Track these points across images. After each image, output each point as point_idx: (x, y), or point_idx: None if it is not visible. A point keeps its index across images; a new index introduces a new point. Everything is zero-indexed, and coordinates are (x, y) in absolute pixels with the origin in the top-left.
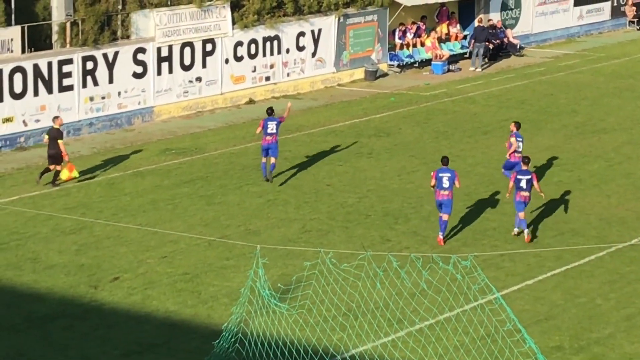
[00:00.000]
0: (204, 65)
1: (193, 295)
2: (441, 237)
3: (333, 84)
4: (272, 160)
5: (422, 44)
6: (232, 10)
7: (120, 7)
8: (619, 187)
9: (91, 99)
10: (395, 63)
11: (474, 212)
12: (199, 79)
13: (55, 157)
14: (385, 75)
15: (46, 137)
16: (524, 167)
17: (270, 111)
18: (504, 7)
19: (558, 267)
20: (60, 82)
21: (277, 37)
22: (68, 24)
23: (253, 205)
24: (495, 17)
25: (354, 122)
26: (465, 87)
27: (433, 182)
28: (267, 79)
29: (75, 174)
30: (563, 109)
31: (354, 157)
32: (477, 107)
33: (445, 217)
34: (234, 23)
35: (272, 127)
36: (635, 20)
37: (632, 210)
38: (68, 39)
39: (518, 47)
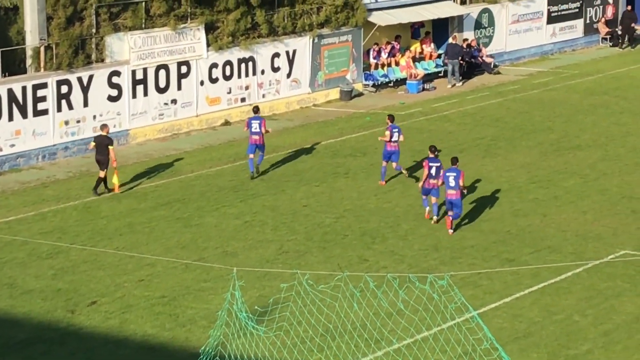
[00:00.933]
0: (179, 88)
1: (171, 319)
2: (450, 229)
3: (308, 105)
4: (260, 153)
5: (397, 64)
6: (207, 32)
7: (94, 30)
8: (595, 203)
9: (66, 122)
10: (370, 83)
11: None
12: (174, 101)
13: (103, 163)
14: (360, 95)
15: (92, 144)
16: (432, 155)
17: (255, 110)
18: (478, 26)
19: (535, 284)
20: (35, 106)
21: (252, 59)
22: (42, 48)
23: (230, 226)
24: (469, 35)
25: (330, 142)
26: (440, 105)
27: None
28: (243, 100)
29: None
30: (538, 126)
31: (331, 177)
32: (453, 126)
33: (451, 214)
34: (208, 45)
35: (255, 126)
36: (608, 37)
37: (608, 226)
38: (42, 63)
39: (492, 65)
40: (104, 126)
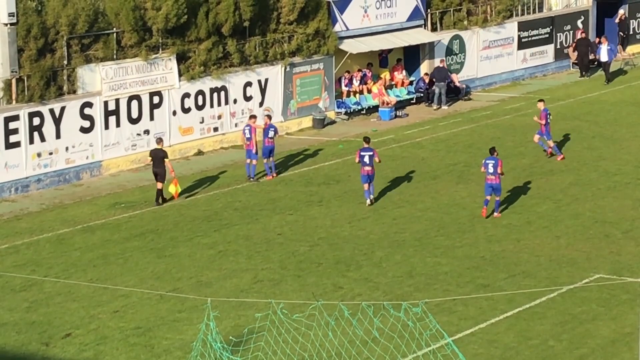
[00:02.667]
0: (151, 118)
1: (146, 350)
2: (497, 214)
3: (281, 133)
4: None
5: (369, 91)
6: (178, 62)
7: (65, 62)
8: (568, 228)
9: (39, 155)
10: (343, 110)
11: (425, 257)
12: (146, 132)
13: (160, 175)
14: (333, 122)
15: (149, 158)
16: (366, 146)
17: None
18: (449, 52)
19: (510, 310)
20: (7, 138)
21: (224, 88)
22: (14, 81)
23: (204, 256)
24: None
25: (303, 170)
26: (412, 132)
27: (483, 169)
28: (216, 129)
29: (179, 188)
30: (510, 151)
31: (304, 206)
32: (425, 152)
33: (497, 198)
34: (180, 75)
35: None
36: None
37: (582, 250)
38: (14, 95)
39: (463, 91)
40: (159, 140)
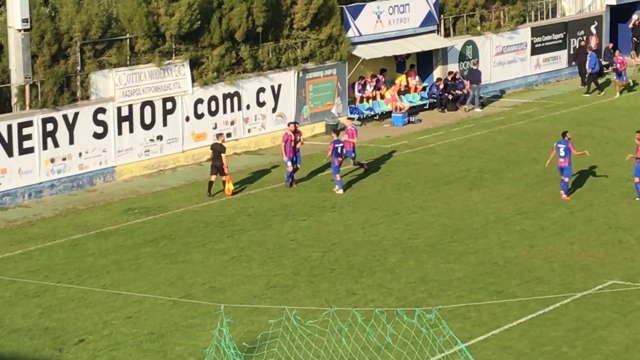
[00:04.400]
0: (164, 124)
1: (159, 356)
2: (564, 195)
3: None
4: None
5: (382, 97)
6: (192, 68)
7: (79, 68)
8: (581, 233)
9: (52, 160)
10: (356, 116)
11: (438, 263)
12: (160, 138)
13: (219, 168)
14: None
15: (210, 151)
16: (336, 137)
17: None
18: (462, 58)
19: (524, 316)
20: (20, 144)
21: (237, 94)
22: (27, 87)
23: (217, 262)
24: (453, 68)
25: (316, 176)
26: (426, 138)
27: (553, 152)
28: (229, 135)
29: (231, 185)
30: (523, 157)
31: (317, 211)
32: (438, 158)
33: (566, 179)
34: (193, 81)
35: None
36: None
37: (595, 256)
38: (27, 101)
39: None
40: (219, 135)
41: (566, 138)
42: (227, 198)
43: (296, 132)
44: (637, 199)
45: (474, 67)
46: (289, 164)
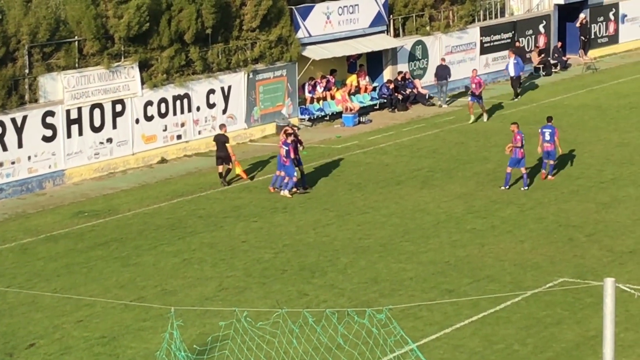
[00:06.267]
0: (114, 126)
1: (110, 359)
2: (551, 177)
3: (245, 140)
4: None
5: (332, 97)
6: (141, 70)
7: (27, 71)
8: (532, 232)
9: (1, 164)
10: (306, 117)
11: (390, 263)
12: (109, 140)
13: (224, 158)
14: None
15: (213, 142)
16: (547, 123)
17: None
18: (412, 58)
19: (475, 315)
20: None
21: (187, 95)
22: None
23: (169, 265)
24: (403, 68)
25: (267, 177)
26: (376, 138)
27: (540, 138)
28: (179, 137)
29: (242, 168)
30: (474, 156)
31: (269, 213)
32: (389, 158)
33: (552, 162)
34: (143, 83)
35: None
36: (541, 66)
37: (546, 254)
38: None
39: (427, 97)
40: (222, 125)
41: (551, 123)
42: (177, 200)
43: (289, 135)
44: (502, 188)
45: (442, 63)
46: (294, 173)
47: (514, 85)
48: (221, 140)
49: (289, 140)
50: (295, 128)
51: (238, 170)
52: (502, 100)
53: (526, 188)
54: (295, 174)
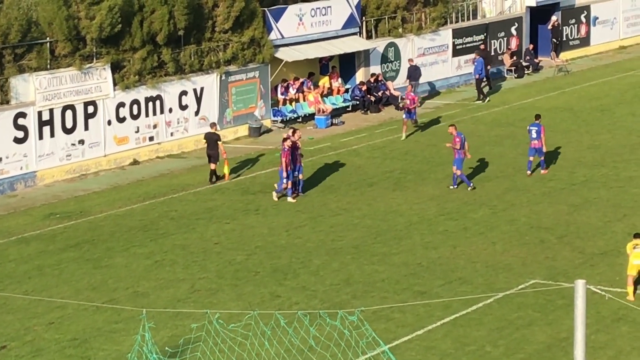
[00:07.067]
0: (86, 128)
1: None
2: (544, 171)
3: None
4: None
5: (305, 99)
6: (113, 71)
7: None
8: (504, 233)
9: None
10: (279, 119)
11: (362, 264)
12: (81, 142)
13: (214, 157)
14: (269, 131)
15: (204, 140)
16: (534, 121)
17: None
18: (384, 60)
19: (447, 316)
20: None
21: (159, 97)
22: None
23: (141, 267)
24: (376, 70)
25: (240, 179)
26: (349, 140)
27: (528, 134)
28: (151, 139)
29: (229, 169)
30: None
31: (241, 214)
32: (362, 160)
33: (542, 158)
34: (115, 84)
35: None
36: (513, 68)
37: (517, 256)
38: None
39: (399, 99)
40: (213, 124)
41: (538, 121)
42: (150, 202)
43: (285, 140)
44: (451, 187)
45: (412, 64)
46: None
47: (477, 86)
48: (213, 139)
49: (285, 145)
50: (297, 130)
51: (226, 169)
52: (473, 103)
53: (455, 187)
54: (285, 180)
